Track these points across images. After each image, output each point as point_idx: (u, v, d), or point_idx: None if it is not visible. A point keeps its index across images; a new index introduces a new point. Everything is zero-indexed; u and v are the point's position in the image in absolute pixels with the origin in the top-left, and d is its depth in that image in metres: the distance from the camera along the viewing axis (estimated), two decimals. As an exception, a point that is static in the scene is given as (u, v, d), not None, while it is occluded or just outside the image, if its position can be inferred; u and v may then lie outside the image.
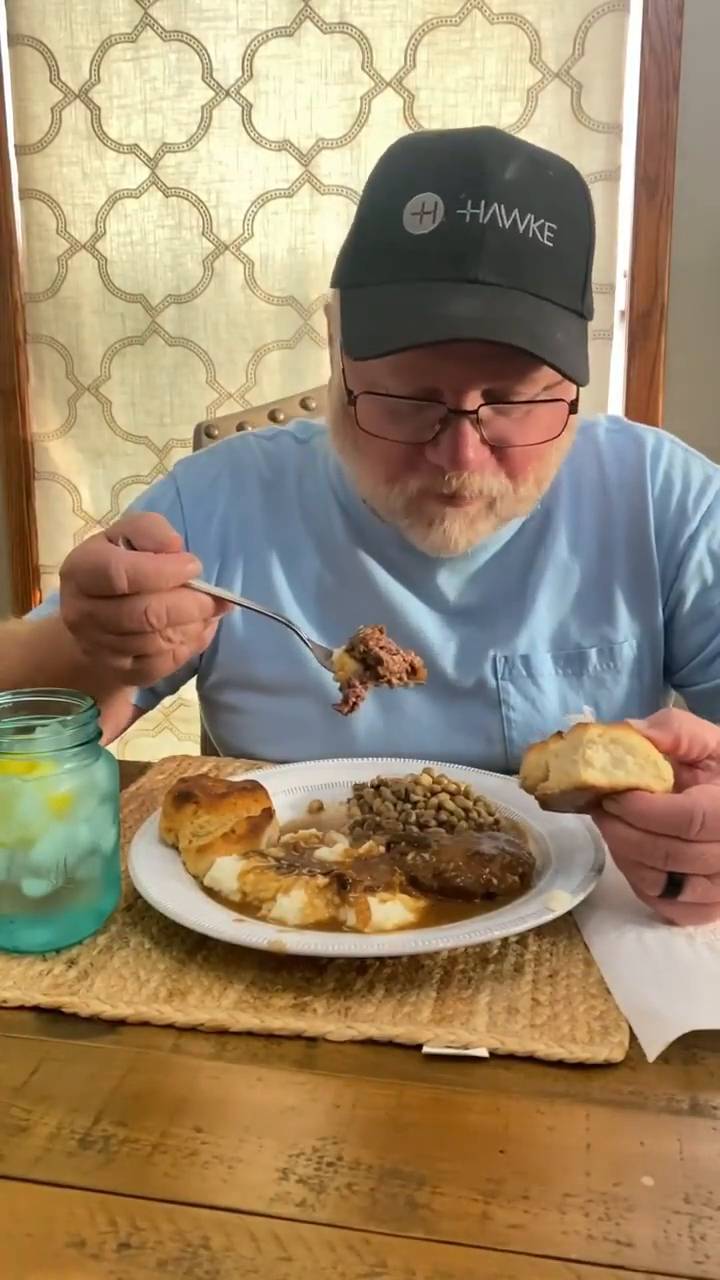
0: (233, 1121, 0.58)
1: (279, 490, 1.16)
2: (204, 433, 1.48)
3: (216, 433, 1.47)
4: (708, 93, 2.00)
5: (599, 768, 0.72)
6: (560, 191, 0.91)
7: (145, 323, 2.32)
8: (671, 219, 2.06)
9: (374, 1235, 0.50)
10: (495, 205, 0.86)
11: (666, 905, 0.73)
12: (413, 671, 0.85)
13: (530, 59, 2.04)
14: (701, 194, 2.04)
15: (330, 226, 2.19)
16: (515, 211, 0.87)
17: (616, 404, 2.16)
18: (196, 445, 1.49)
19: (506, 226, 0.87)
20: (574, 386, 0.94)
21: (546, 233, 0.88)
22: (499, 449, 0.95)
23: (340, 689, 0.86)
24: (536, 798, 0.78)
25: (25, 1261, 0.49)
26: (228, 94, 2.18)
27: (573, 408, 0.95)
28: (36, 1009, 0.68)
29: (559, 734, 0.76)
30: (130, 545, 0.78)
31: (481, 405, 0.91)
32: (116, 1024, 0.66)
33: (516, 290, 0.88)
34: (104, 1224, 0.51)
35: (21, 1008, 0.68)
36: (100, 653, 0.81)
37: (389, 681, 0.85)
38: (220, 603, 0.81)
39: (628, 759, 0.72)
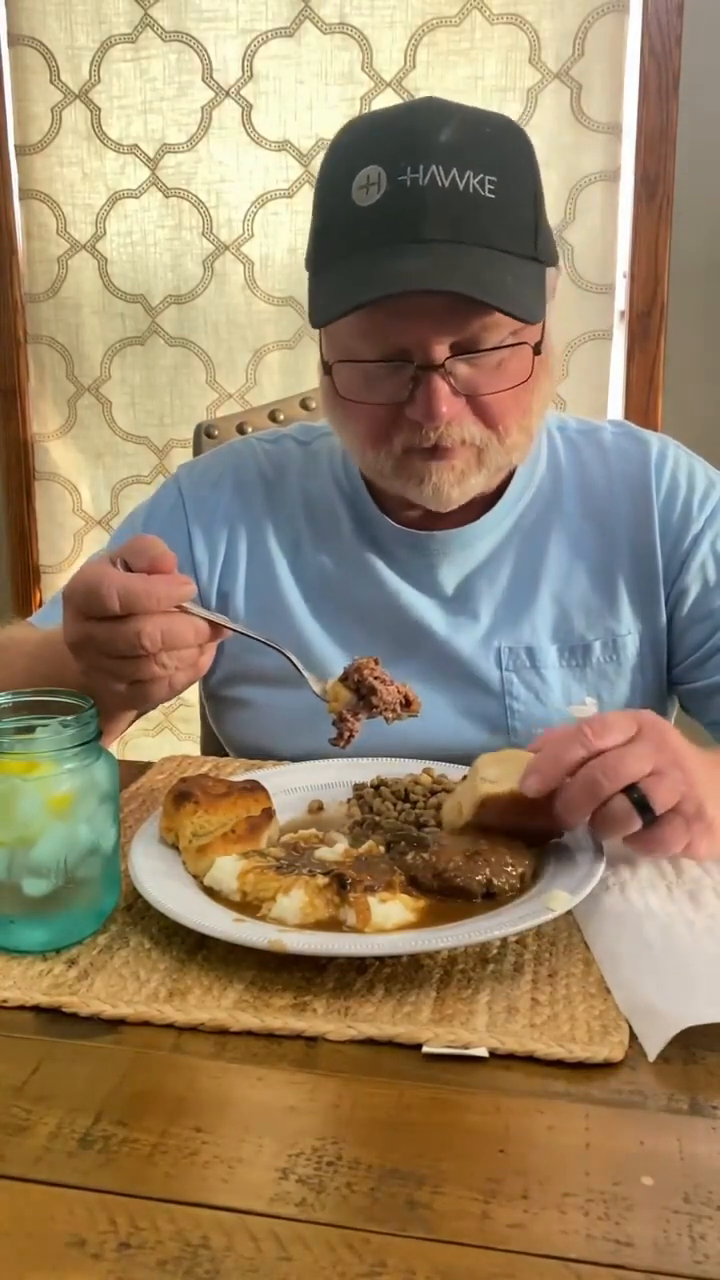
0: (233, 1121, 0.58)
1: (281, 489, 1.17)
2: (204, 433, 1.48)
3: (216, 433, 1.47)
4: (708, 93, 2.00)
5: (490, 779, 0.78)
6: (497, 145, 0.94)
7: (145, 323, 2.32)
8: (671, 219, 2.05)
9: (374, 1235, 0.50)
10: (434, 167, 0.90)
11: (664, 831, 0.75)
12: (407, 704, 0.86)
13: (530, 59, 2.04)
14: (701, 194, 2.04)
15: (330, 227, 2.19)
16: (454, 170, 0.90)
17: (616, 404, 2.16)
18: (196, 445, 1.49)
19: (446, 185, 0.90)
20: (538, 330, 0.97)
21: (487, 186, 0.91)
22: (474, 399, 0.97)
23: (334, 723, 0.87)
24: (468, 826, 0.82)
25: (25, 1261, 0.49)
26: (228, 94, 2.18)
27: (536, 349, 0.98)
28: (36, 1009, 0.68)
29: (463, 778, 0.84)
30: (128, 567, 0.80)
31: (448, 358, 0.94)
32: (116, 1024, 0.67)
33: (463, 244, 0.91)
34: (104, 1224, 0.51)
35: (21, 1008, 0.68)
36: (97, 675, 0.82)
37: (384, 715, 0.86)
38: (216, 628, 0.82)
39: (510, 765, 0.79)
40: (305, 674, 0.88)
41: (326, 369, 1.01)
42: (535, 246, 0.96)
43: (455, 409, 0.95)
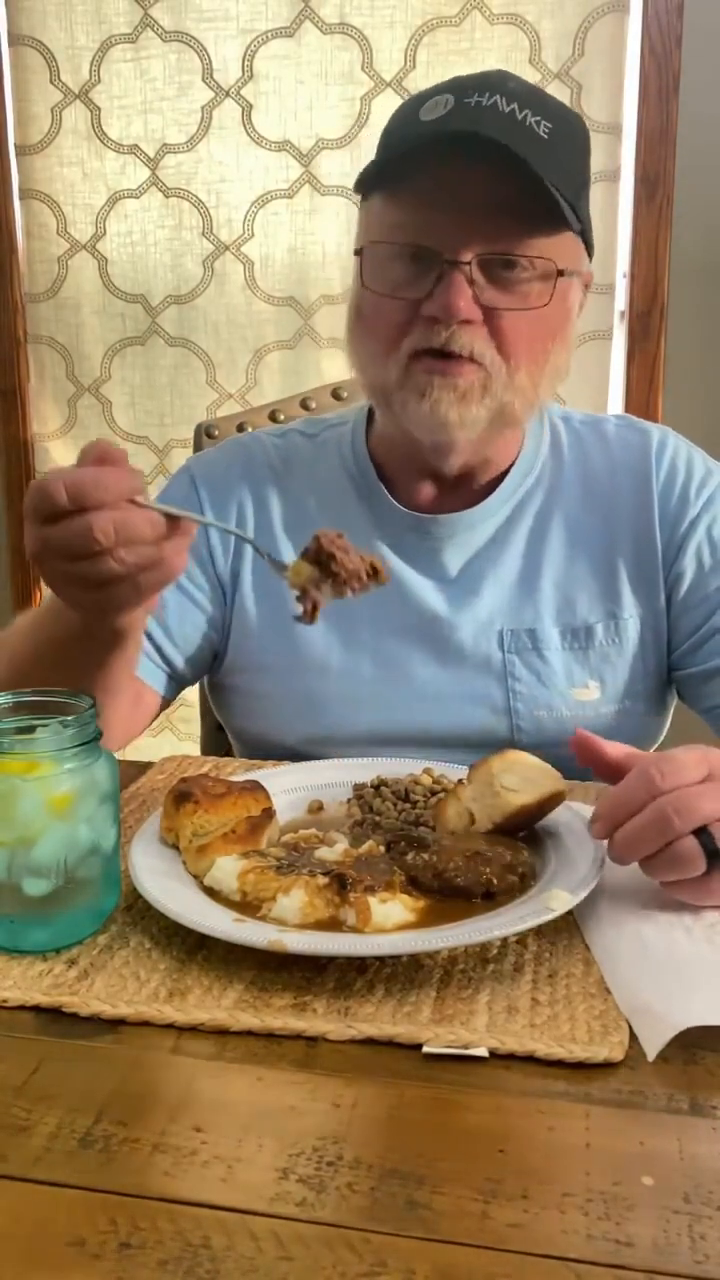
0: (233, 1121, 0.58)
1: (289, 477, 1.20)
2: (204, 433, 1.48)
3: (217, 433, 1.47)
4: (708, 93, 2.00)
5: (512, 787, 0.79)
6: (559, 111, 1.01)
7: (145, 323, 2.31)
8: (671, 219, 2.05)
9: (374, 1235, 0.50)
10: (498, 97, 0.96)
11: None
12: (374, 572, 0.82)
13: (530, 59, 2.04)
14: (701, 194, 2.04)
15: (330, 227, 2.19)
16: (515, 104, 0.97)
17: (616, 404, 2.16)
18: (197, 445, 1.49)
19: (507, 112, 0.96)
20: (564, 258, 1.00)
21: (543, 127, 0.97)
22: (491, 319, 0.99)
23: (297, 598, 0.83)
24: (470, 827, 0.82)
25: (25, 1261, 0.49)
26: (228, 94, 2.17)
27: (561, 274, 1.00)
28: (36, 1009, 0.68)
29: (460, 782, 0.84)
30: None
31: (474, 258, 0.97)
32: (116, 1024, 0.66)
33: (516, 158, 0.94)
34: (104, 1224, 0.51)
35: (21, 1008, 0.68)
36: (61, 586, 0.81)
37: (350, 587, 0.81)
38: (175, 523, 0.78)
39: (530, 771, 0.80)
40: (268, 559, 0.86)
41: (358, 253, 1.04)
42: (577, 203, 0.99)
43: (472, 313, 0.98)
